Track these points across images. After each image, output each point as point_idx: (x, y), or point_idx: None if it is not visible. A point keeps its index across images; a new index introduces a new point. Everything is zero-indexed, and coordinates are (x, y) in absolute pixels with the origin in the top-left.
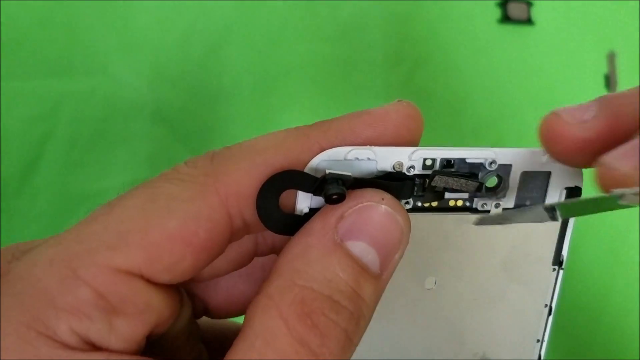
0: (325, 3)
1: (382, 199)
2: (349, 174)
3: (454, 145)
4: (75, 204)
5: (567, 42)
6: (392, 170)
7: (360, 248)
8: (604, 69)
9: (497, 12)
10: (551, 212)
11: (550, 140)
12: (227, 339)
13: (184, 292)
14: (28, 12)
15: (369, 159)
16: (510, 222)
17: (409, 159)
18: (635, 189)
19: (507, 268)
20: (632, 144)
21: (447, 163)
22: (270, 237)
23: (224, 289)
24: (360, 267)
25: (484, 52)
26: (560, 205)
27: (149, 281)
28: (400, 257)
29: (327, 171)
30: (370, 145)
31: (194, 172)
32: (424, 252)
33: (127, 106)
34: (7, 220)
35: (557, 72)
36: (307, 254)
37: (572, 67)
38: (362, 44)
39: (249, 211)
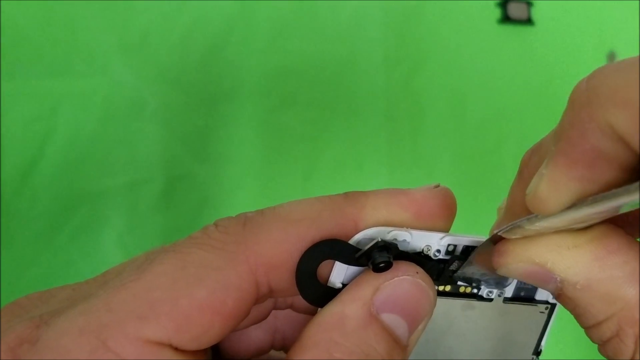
0: (325, 3)
1: (417, 272)
2: (396, 243)
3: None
4: (75, 204)
5: (567, 42)
6: (421, 252)
7: (393, 320)
8: None
9: (497, 12)
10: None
11: None
12: None
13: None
14: (28, 12)
15: (405, 240)
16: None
17: (438, 243)
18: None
19: (495, 355)
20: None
21: (466, 249)
22: (290, 297)
23: (237, 335)
24: (393, 339)
25: (484, 52)
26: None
27: (178, 349)
28: (423, 329)
29: (380, 238)
30: (407, 227)
31: (225, 238)
32: (429, 333)
33: (127, 106)
34: (7, 220)
35: (557, 72)
36: (343, 325)
37: (572, 67)
38: (362, 44)
39: (277, 280)
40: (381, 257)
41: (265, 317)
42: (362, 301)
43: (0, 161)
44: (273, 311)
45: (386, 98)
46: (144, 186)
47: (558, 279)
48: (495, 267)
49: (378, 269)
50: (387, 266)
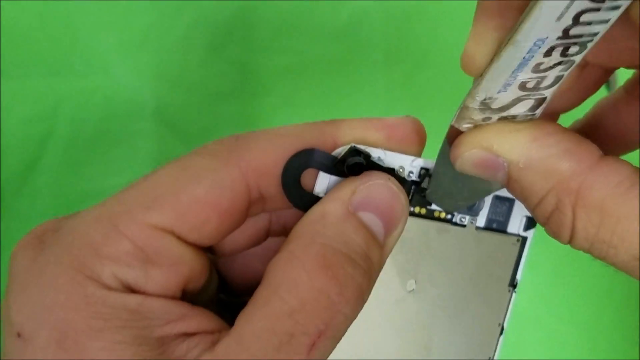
0: (325, 3)
1: (389, 178)
2: (369, 152)
3: None
4: (75, 204)
5: None
6: (395, 172)
7: (369, 218)
8: None
9: None
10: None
11: None
12: None
13: (212, 265)
14: (28, 12)
15: (379, 158)
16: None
17: (410, 165)
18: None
19: (473, 283)
20: None
21: None
22: (282, 217)
23: (240, 267)
24: (370, 234)
25: None
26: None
27: (180, 238)
28: (399, 235)
29: (352, 144)
30: (381, 147)
31: (219, 147)
32: (409, 254)
33: (127, 106)
34: (7, 220)
35: None
36: (325, 219)
37: None
38: (362, 44)
39: (266, 185)
40: (354, 159)
41: (262, 240)
42: (341, 200)
43: (0, 161)
44: (273, 247)
45: (386, 98)
46: None
47: (505, 164)
48: (453, 161)
49: (351, 170)
50: (360, 167)
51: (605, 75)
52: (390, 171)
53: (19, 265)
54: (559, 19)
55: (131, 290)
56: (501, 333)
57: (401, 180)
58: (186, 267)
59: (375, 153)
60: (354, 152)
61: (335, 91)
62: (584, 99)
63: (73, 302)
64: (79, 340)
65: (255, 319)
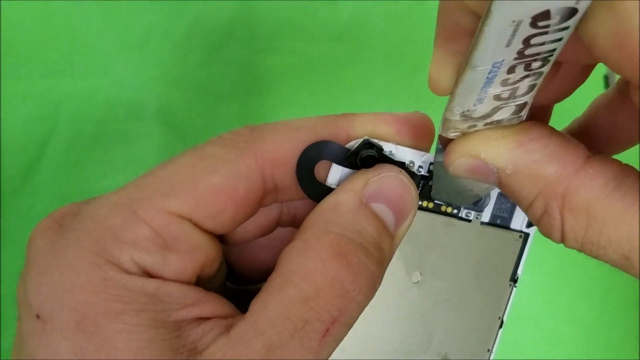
0: (325, 3)
1: (400, 171)
2: (381, 146)
3: None
4: None
5: None
6: (405, 166)
7: (381, 209)
8: (603, 69)
9: None
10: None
11: None
12: None
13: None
14: (28, 12)
15: (391, 152)
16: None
17: (420, 160)
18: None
19: (476, 277)
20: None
21: None
22: (293, 208)
23: (247, 255)
24: (382, 225)
25: None
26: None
27: (197, 226)
28: (409, 226)
29: (366, 137)
30: (392, 142)
31: (236, 138)
32: (415, 246)
33: (127, 106)
34: (7, 220)
35: None
36: (338, 209)
37: None
38: (362, 44)
39: (280, 176)
40: (367, 152)
41: (271, 230)
42: (354, 191)
43: (1, 161)
44: (281, 237)
45: (386, 98)
46: None
47: (494, 169)
48: (447, 168)
49: (363, 162)
50: (372, 160)
51: (588, 66)
52: (401, 165)
53: (38, 247)
54: (507, 45)
55: (149, 274)
56: (501, 326)
57: (411, 174)
58: (202, 253)
59: (387, 147)
60: (367, 145)
61: (335, 91)
62: (573, 89)
63: (93, 285)
64: (98, 322)
65: (271, 305)
